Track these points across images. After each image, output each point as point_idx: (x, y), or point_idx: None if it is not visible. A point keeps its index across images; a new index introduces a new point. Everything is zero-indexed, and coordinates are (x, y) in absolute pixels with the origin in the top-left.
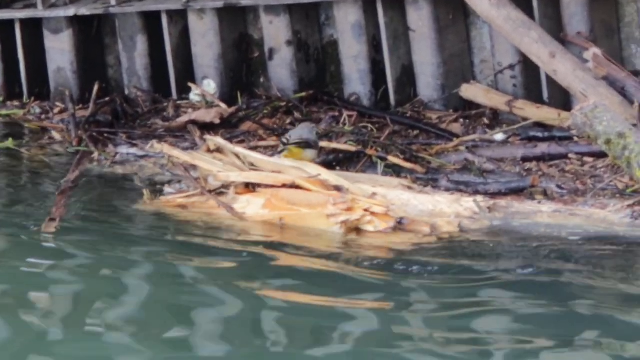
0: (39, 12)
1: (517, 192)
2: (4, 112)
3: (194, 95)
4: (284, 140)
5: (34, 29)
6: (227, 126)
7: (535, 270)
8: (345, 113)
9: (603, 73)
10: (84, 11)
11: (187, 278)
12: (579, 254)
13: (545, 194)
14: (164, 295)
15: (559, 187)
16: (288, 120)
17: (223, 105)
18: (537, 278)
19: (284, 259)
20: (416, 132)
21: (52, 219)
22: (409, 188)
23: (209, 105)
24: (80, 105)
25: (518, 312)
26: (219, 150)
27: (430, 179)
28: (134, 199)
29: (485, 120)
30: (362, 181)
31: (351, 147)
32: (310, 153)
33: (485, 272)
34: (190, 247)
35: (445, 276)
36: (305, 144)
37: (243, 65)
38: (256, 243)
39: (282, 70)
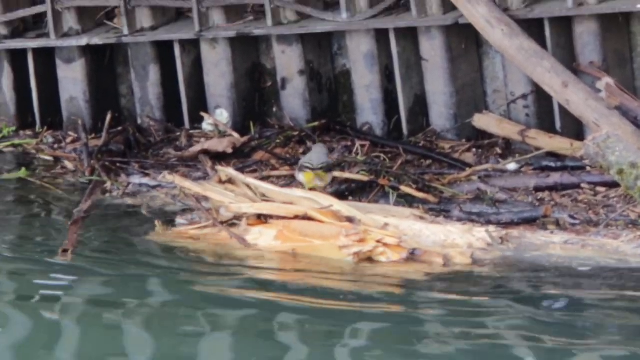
0: (52, 41)
1: (529, 222)
2: (16, 141)
3: (207, 125)
4: (308, 165)
5: (46, 58)
6: (240, 156)
7: (547, 303)
8: (358, 143)
9: (616, 103)
10: (96, 40)
11: (199, 309)
12: (591, 285)
13: (557, 223)
14: (176, 326)
15: (571, 217)
16: (301, 150)
17: (235, 135)
18: (549, 311)
19: (296, 291)
20: (429, 161)
21: (65, 249)
22: (421, 218)
23: (222, 134)
24: (93, 135)
25: (530, 345)
26: (230, 181)
27: (442, 209)
28: (146, 230)
29: (498, 150)
30: (374, 211)
31: (364, 177)
32: (329, 175)
33: (497, 304)
34: (202, 278)
35: (458, 308)
36: (328, 168)
37: (255, 95)
38: (268, 275)
39: (294, 100)
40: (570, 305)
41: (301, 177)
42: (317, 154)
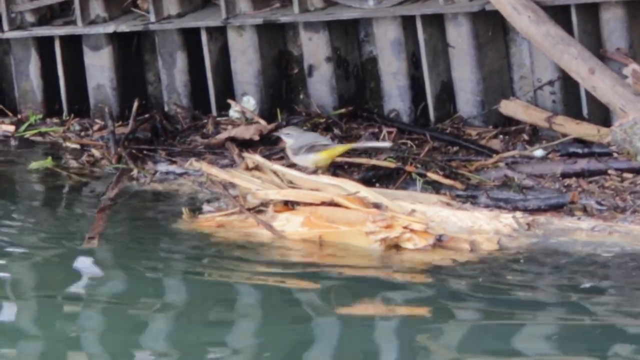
0: (79, 28)
1: (556, 208)
2: (43, 129)
3: (234, 112)
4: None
5: (73, 45)
6: (267, 143)
7: (574, 290)
8: (385, 129)
9: None
10: (123, 28)
11: (226, 296)
12: (619, 272)
13: (584, 210)
14: (203, 313)
15: (598, 203)
16: (328, 137)
17: (262, 122)
18: (576, 298)
19: (323, 277)
20: (456, 148)
21: (92, 237)
22: (448, 205)
23: (249, 121)
24: (120, 122)
25: (557, 332)
26: (257, 167)
27: (469, 196)
28: (173, 217)
29: (525, 137)
30: (400, 198)
31: (390, 164)
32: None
33: (524, 291)
34: (230, 265)
35: (485, 295)
36: None
37: (282, 82)
38: (295, 261)
39: (321, 87)
40: (597, 292)
41: (311, 158)
42: (307, 135)
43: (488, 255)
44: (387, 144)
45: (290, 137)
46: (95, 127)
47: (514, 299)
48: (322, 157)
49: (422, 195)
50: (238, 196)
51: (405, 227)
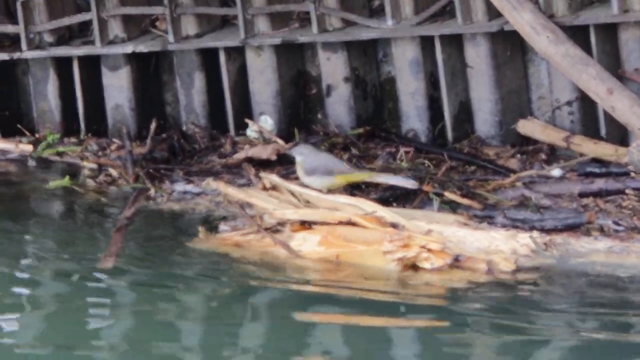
0: (97, 49)
1: (573, 228)
2: (61, 148)
3: (251, 132)
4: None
5: (91, 66)
6: (284, 162)
7: (592, 312)
8: (402, 149)
9: None
10: (141, 48)
11: (243, 316)
12: (637, 293)
13: (602, 230)
14: (220, 333)
15: (615, 223)
16: (345, 157)
17: (280, 142)
18: (595, 319)
19: (341, 297)
20: (473, 168)
21: (109, 256)
22: (465, 224)
23: (266, 141)
24: (138, 142)
25: (577, 355)
26: (274, 187)
27: (486, 215)
28: (190, 237)
29: (543, 156)
30: (417, 217)
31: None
32: None
33: (542, 312)
34: (247, 285)
35: (502, 316)
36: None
37: (300, 102)
38: (312, 281)
39: (339, 107)
40: (615, 314)
41: (326, 181)
42: (323, 156)
43: (505, 275)
44: (408, 184)
45: (303, 156)
46: (113, 147)
47: (531, 320)
48: (337, 182)
49: (439, 215)
50: (255, 216)
51: (422, 247)
